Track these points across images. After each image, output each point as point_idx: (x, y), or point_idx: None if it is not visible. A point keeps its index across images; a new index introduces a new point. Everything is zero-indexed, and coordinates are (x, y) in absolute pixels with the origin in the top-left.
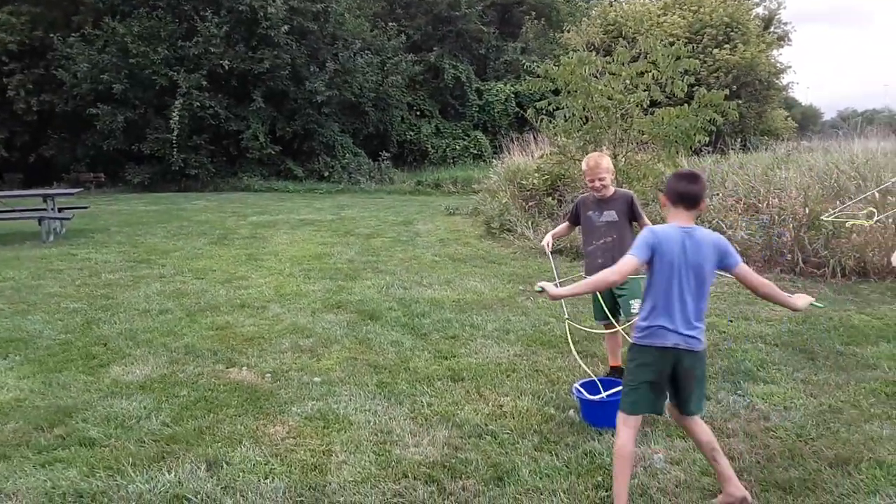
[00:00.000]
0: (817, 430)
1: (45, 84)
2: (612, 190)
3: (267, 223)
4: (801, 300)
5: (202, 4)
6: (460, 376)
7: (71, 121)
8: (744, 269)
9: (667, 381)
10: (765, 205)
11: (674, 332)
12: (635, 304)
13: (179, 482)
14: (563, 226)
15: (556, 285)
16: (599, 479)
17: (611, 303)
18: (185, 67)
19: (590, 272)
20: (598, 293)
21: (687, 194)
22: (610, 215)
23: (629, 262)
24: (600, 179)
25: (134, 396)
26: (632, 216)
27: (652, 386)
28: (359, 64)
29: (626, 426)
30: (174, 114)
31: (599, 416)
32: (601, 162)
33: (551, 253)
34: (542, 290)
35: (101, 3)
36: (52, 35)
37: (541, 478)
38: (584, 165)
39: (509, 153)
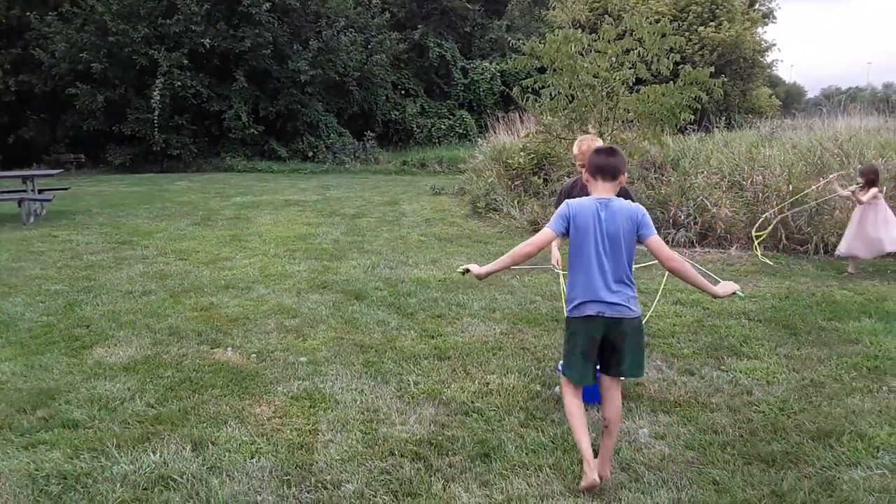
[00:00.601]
0: (800, 404)
1: (22, 64)
2: None
3: (251, 204)
4: (723, 288)
5: None
6: (447, 355)
7: (50, 101)
8: (655, 241)
9: (597, 349)
10: (749, 182)
11: (598, 301)
12: None
13: (165, 463)
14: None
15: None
16: None
17: None
18: (166, 46)
19: None
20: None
21: (605, 167)
22: None
23: (544, 233)
24: None
25: (118, 378)
26: None
27: (583, 355)
28: (342, 42)
29: (568, 391)
30: (155, 93)
31: (585, 393)
32: (594, 146)
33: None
34: (467, 271)
35: None
36: (28, 14)
37: (527, 454)
38: (576, 149)
39: (495, 132)
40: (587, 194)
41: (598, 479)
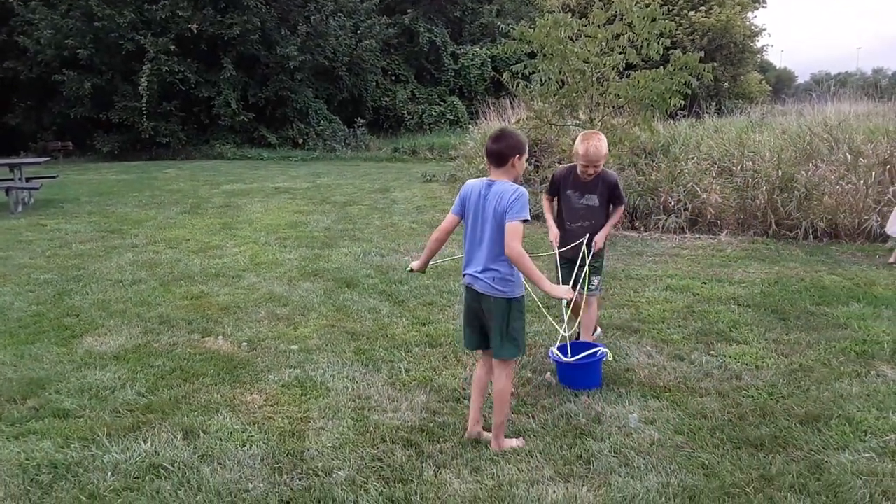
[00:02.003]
0: (788, 388)
1: (7, 51)
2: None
3: (241, 191)
4: (555, 291)
5: None
6: (438, 342)
7: (36, 88)
8: (509, 226)
9: (477, 319)
10: (739, 168)
11: (468, 274)
12: (595, 281)
13: (156, 451)
14: (549, 203)
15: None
16: (574, 439)
17: (572, 276)
18: (153, 31)
19: (567, 252)
20: (559, 267)
21: (490, 152)
22: (591, 199)
23: (447, 218)
24: (595, 167)
25: (108, 367)
26: (610, 200)
27: (464, 320)
28: (331, 27)
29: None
30: (142, 79)
31: (575, 379)
32: (601, 151)
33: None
34: (413, 270)
35: None
36: (11, 0)
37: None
38: (580, 149)
39: (486, 119)
40: (582, 184)
41: (474, 436)
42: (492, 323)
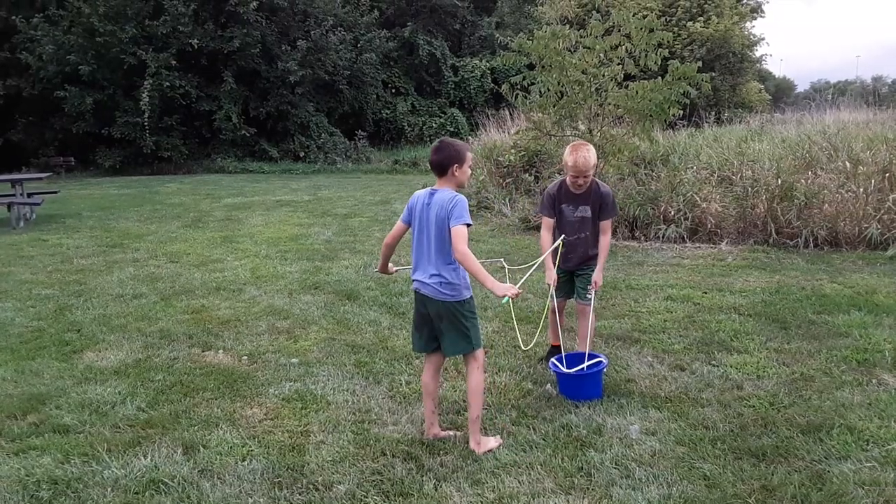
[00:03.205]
0: (790, 397)
1: (10, 68)
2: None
3: (242, 205)
4: (500, 289)
5: None
6: None
7: (38, 104)
8: (454, 231)
9: (427, 322)
10: (738, 177)
11: (418, 280)
12: (590, 290)
13: (156, 466)
14: (548, 230)
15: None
16: (575, 451)
17: (567, 285)
18: (154, 46)
19: (564, 263)
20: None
21: (432, 163)
22: (584, 211)
23: (396, 226)
24: (585, 177)
25: (108, 382)
26: (600, 211)
27: (414, 325)
28: (331, 41)
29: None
30: (144, 94)
31: (576, 390)
32: (590, 161)
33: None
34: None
35: None
36: (14, 17)
37: (518, 452)
38: (569, 160)
39: (486, 130)
40: (574, 196)
41: (432, 437)
42: (441, 325)
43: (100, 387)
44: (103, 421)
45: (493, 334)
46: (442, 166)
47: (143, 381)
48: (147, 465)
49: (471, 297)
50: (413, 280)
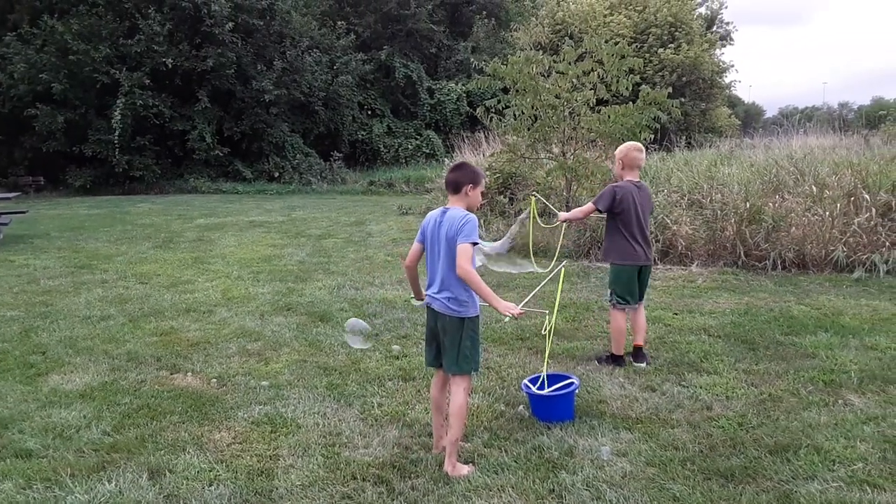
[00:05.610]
0: (758, 418)
1: None
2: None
3: (214, 226)
4: (503, 307)
5: (144, 2)
6: (411, 375)
7: (8, 123)
8: (459, 248)
9: (435, 337)
10: (708, 200)
11: (429, 295)
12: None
13: (120, 492)
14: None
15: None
16: (547, 473)
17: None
18: (128, 66)
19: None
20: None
21: (448, 180)
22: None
23: (413, 248)
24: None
25: (73, 406)
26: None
27: (427, 340)
28: (307, 62)
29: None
30: (116, 113)
31: (548, 411)
32: (632, 154)
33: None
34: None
35: (38, 1)
36: None
37: (489, 474)
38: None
39: (461, 152)
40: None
41: (440, 452)
42: (446, 340)
43: (64, 410)
44: (67, 445)
45: None
46: (457, 184)
47: (108, 405)
48: (111, 490)
49: (477, 317)
50: (426, 295)
